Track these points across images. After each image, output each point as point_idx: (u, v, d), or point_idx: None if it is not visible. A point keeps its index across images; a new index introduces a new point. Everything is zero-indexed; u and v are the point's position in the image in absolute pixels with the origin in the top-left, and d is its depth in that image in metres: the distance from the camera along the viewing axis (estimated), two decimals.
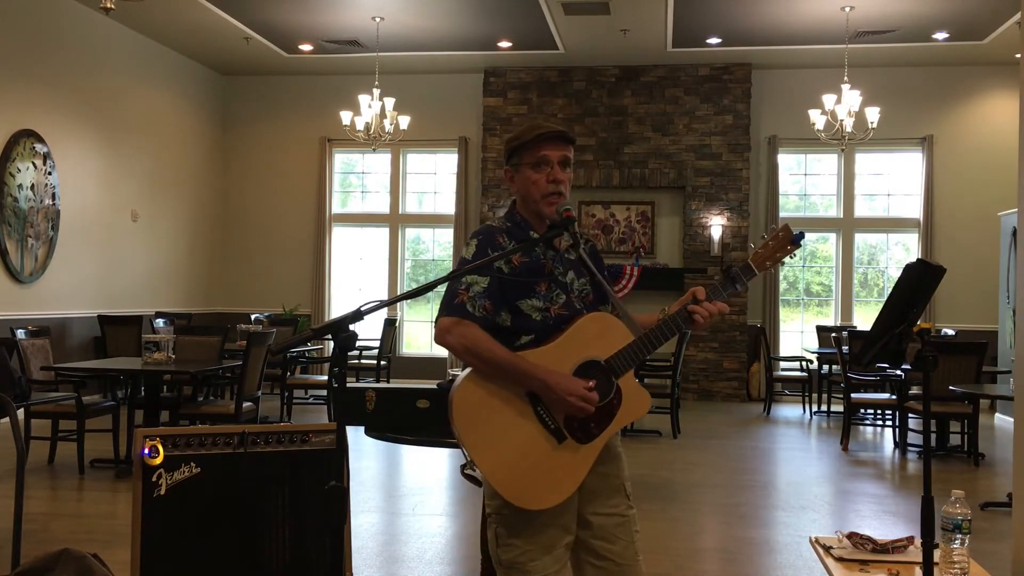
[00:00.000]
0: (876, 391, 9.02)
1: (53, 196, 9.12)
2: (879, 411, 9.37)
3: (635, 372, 2.42)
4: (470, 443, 2.28)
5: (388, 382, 10.80)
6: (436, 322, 2.37)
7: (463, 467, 2.37)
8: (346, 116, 10.18)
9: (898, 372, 7.45)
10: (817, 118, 9.72)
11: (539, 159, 2.38)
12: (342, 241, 12.62)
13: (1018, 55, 9.61)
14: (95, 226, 9.89)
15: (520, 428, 2.29)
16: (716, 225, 11.41)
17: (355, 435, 3.62)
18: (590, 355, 2.31)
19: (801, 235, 2.40)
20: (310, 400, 10.48)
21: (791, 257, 2.45)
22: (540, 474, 2.29)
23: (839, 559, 2.88)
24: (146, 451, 2.59)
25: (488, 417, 2.29)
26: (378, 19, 9.95)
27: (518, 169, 2.42)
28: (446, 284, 2.33)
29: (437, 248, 12.55)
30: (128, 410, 6.69)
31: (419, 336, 12.47)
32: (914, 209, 11.56)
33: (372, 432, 3.25)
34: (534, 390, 2.29)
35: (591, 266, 2.41)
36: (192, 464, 2.65)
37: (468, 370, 2.33)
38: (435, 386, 3.44)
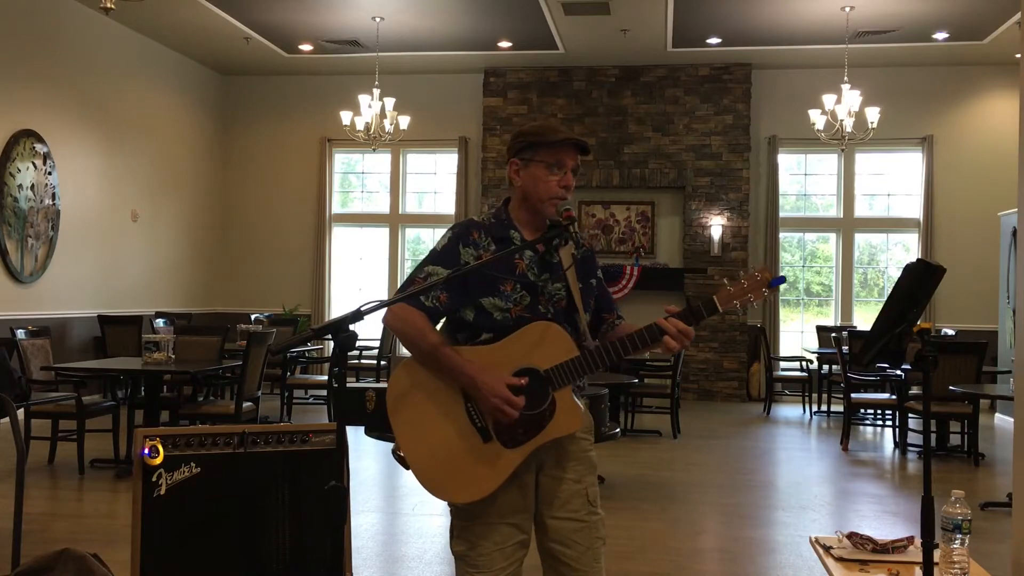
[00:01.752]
0: (876, 391, 9.02)
1: (53, 196, 9.12)
2: (879, 411, 9.37)
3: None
4: (396, 426, 2.34)
5: (388, 382, 10.78)
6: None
7: (395, 449, 2.39)
8: (346, 116, 10.18)
9: (898, 372, 7.45)
10: (817, 118, 9.72)
11: (557, 162, 2.38)
12: (342, 241, 12.62)
13: (1018, 55, 9.61)
14: (95, 226, 9.89)
15: (447, 420, 2.32)
16: (716, 225, 11.41)
17: (355, 435, 3.63)
18: (531, 363, 2.30)
19: (781, 280, 2.35)
20: (310, 400, 10.48)
21: (762, 300, 2.39)
22: (459, 469, 2.31)
23: (839, 559, 2.88)
24: (146, 451, 2.59)
25: (418, 403, 2.34)
26: (378, 19, 9.95)
27: (528, 165, 2.40)
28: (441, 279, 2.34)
29: None
30: (128, 410, 6.69)
31: None
32: (914, 209, 11.56)
33: (372, 432, 3.25)
34: (462, 386, 2.30)
35: (565, 272, 2.39)
36: (192, 464, 2.65)
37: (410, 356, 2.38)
38: None
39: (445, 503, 2.43)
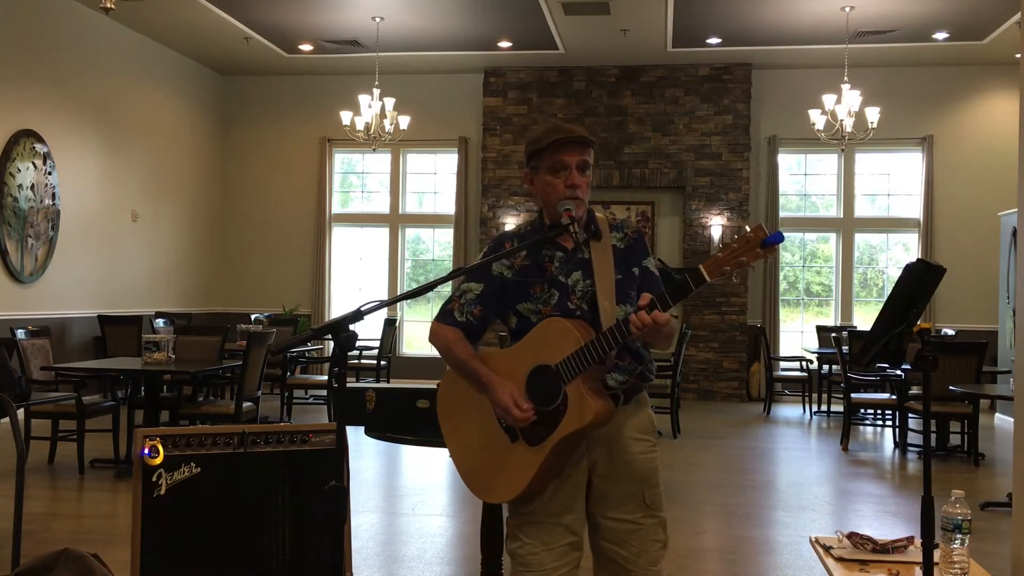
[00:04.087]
0: (876, 391, 9.01)
1: (53, 196, 9.12)
2: (879, 411, 9.37)
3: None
4: (444, 432, 2.50)
5: (388, 382, 10.80)
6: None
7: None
8: (346, 116, 10.18)
9: (898, 372, 7.44)
10: (817, 118, 9.72)
11: (557, 163, 2.38)
12: (342, 241, 12.62)
13: (1018, 55, 9.60)
14: (95, 226, 9.89)
15: (482, 423, 2.41)
16: (716, 225, 11.41)
17: (355, 435, 3.62)
18: (544, 359, 2.32)
19: (777, 236, 2.06)
20: (310, 400, 10.47)
21: (764, 260, 2.34)
22: (493, 469, 2.39)
23: (839, 559, 2.88)
24: (146, 451, 2.59)
25: (459, 410, 2.47)
26: (378, 19, 9.95)
27: (537, 173, 2.43)
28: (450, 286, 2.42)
29: (437, 248, 12.55)
30: (128, 410, 6.69)
31: (419, 336, 12.46)
32: (914, 209, 11.56)
33: (372, 432, 3.24)
34: (483, 392, 2.38)
35: (593, 266, 2.39)
36: (192, 464, 2.65)
37: None
38: (435, 386, 3.44)
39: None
